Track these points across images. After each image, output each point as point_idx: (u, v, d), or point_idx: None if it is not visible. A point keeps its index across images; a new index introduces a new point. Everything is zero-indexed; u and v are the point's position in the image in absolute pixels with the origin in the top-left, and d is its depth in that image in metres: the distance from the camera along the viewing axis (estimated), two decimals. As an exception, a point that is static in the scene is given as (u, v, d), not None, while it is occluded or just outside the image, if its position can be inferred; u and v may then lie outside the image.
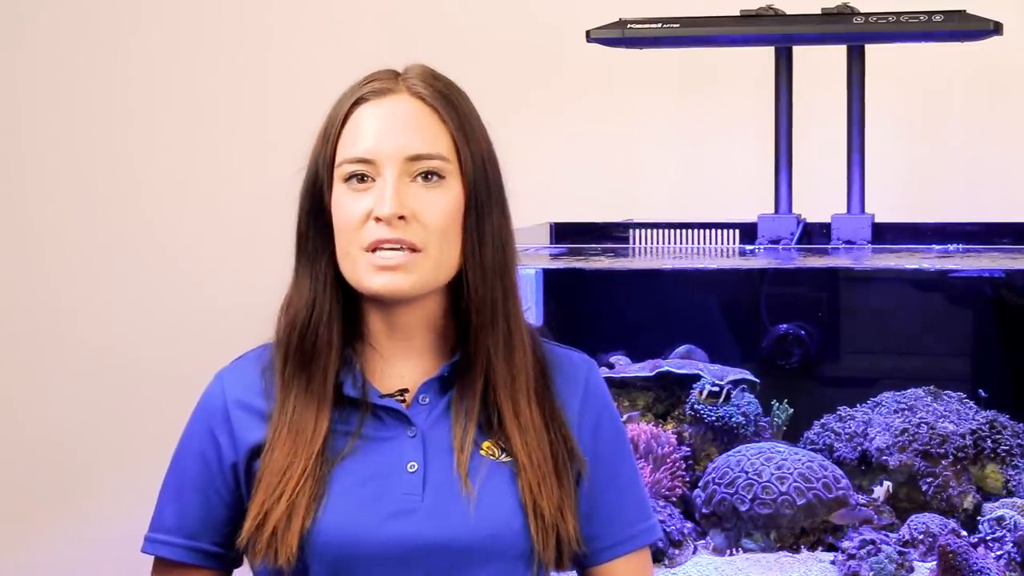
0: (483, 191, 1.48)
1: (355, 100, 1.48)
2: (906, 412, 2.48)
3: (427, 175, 1.46)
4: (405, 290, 1.45)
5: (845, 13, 2.47)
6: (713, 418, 2.50)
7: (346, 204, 1.46)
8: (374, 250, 1.44)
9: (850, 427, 2.51)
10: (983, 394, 2.51)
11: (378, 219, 1.43)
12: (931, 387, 2.53)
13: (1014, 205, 2.89)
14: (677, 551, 2.36)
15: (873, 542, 2.29)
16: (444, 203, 1.46)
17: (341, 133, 1.48)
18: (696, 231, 2.61)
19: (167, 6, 3.41)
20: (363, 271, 1.45)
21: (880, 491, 2.42)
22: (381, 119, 1.47)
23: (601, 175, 3.20)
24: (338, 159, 1.47)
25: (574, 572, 1.60)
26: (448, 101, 1.48)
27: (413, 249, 1.44)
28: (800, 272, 2.63)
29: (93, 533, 3.39)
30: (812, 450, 2.49)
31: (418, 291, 1.46)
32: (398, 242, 1.43)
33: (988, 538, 2.29)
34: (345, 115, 1.48)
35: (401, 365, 1.51)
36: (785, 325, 2.61)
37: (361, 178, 1.46)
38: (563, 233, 2.74)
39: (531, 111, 3.14)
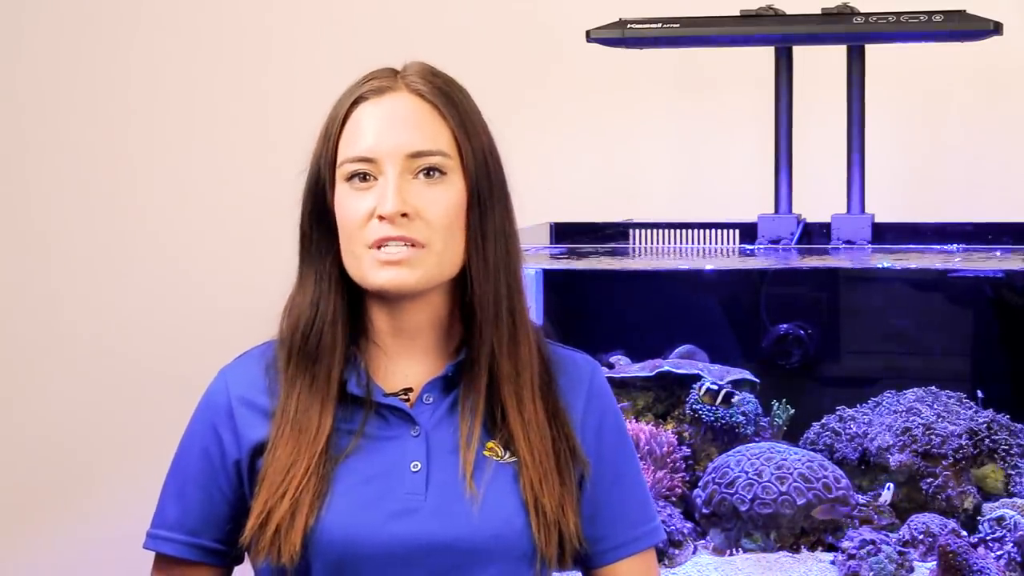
0: (485, 187, 1.48)
1: (355, 99, 1.48)
2: (906, 412, 2.48)
3: (429, 172, 1.46)
4: (410, 285, 1.45)
5: (845, 13, 2.47)
6: (712, 418, 2.50)
7: (349, 203, 1.46)
8: (378, 247, 1.44)
9: (850, 427, 2.51)
10: (980, 395, 2.51)
11: (381, 217, 1.43)
12: (931, 387, 2.53)
13: (1014, 205, 2.89)
14: (677, 551, 2.36)
15: (873, 542, 2.29)
16: (446, 199, 1.46)
17: (342, 132, 1.48)
18: (696, 231, 2.61)
19: (167, 6, 3.41)
20: (368, 267, 1.45)
21: (888, 495, 2.42)
22: (381, 117, 1.47)
23: (601, 175, 3.20)
24: (339, 158, 1.47)
25: (578, 574, 1.60)
26: (448, 97, 1.48)
27: (417, 245, 1.44)
28: (800, 272, 2.63)
29: (93, 533, 3.39)
30: (812, 450, 2.49)
31: (423, 286, 1.46)
32: (401, 239, 1.44)
33: (988, 538, 2.29)
34: (345, 114, 1.48)
35: (405, 364, 1.51)
36: (785, 325, 2.61)
37: (363, 177, 1.46)
38: (563, 233, 2.74)
39: (531, 111, 3.14)
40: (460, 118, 1.48)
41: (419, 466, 1.46)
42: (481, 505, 1.45)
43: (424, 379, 1.51)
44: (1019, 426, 2.46)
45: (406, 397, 1.50)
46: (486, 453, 1.48)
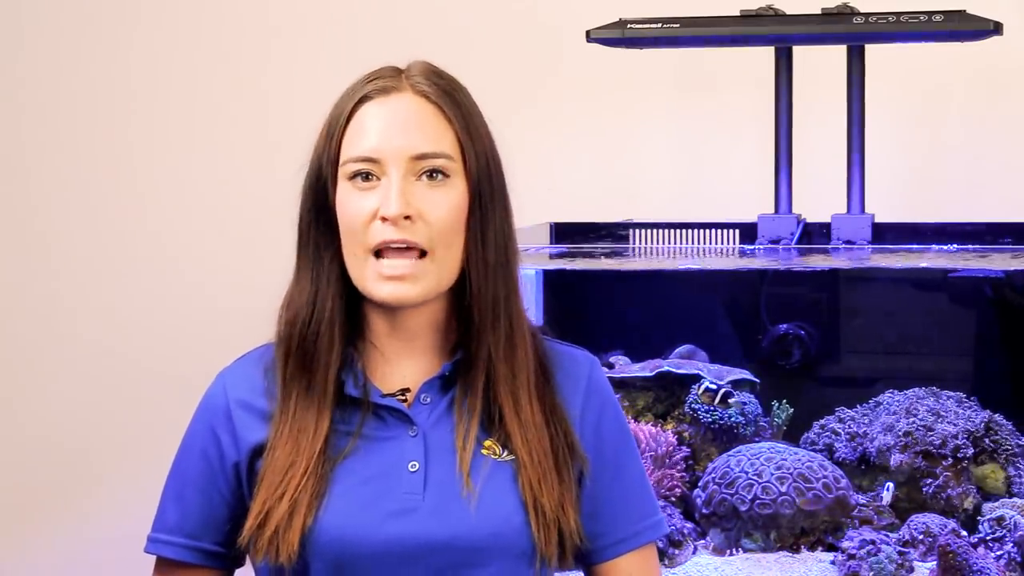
0: (487, 189, 1.48)
1: (359, 98, 1.47)
2: (906, 412, 2.47)
3: (432, 174, 1.46)
4: (412, 299, 1.45)
5: (845, 13, 2.47)
6: (710, 419, 2.50)
7: (351, 203, 1.46)
8: (379, 253, 1.44)
9: (850, 427, 2.51)
10: (974, 399, 2.51)
11: (384, 219, 1.43)
12: (931, 387, 2.53)
13: (1014, 205, 2.89)
14: (677, 551, 2.36)
15: (873, 542, 2.29)
16: (448, 202, 1.46)
17: (345, 131, 1.47)
18: (696, 231, 2.61)
19: (167, 6, 3.41)
20: (370, 279, 1.45)
21: (887, 495, 2.42)
22: (385, 118, 1.46)
23: (601, 175, 3.20)
24: (342, 158, 1.47)
25: (580, 573, 1.60)
26: (452, 99, 1.48)
27: (418, 251, 1.44)
28: (800, 272, 2.63)
29: (93, 533, 3.39)
30: (812, 450, 2.49)
31: (424, 298, 1.46)
32: (404, 243, 1.43)
33: (988, 538, 2.29)
34: (349, 113, 1.47)
35: (403, 364, 1.51)
36: (785, 325, 2.61)
37: (366, 176, 1.46)
38: (563, 233, 2.74)
39: (531, 111, 3.14)
40: (464, 120, 1.48)
41: (417, 466, 1.46)
42: (479, 503, 1.45)
43: (421, 379, 1.50)
44: (1010, 425, 2.46)
45: (403, 397, 1.50)
46: (484, 452, 1.48)
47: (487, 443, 1.48)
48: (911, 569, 2.29)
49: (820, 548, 2.37)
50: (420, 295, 1.45)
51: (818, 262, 2.60)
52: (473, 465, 1.46)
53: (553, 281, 2.61)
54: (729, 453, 2.45)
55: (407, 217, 1.43)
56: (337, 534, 1.44)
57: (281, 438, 1.47)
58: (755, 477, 2.37)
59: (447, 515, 1.44)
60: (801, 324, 2.61)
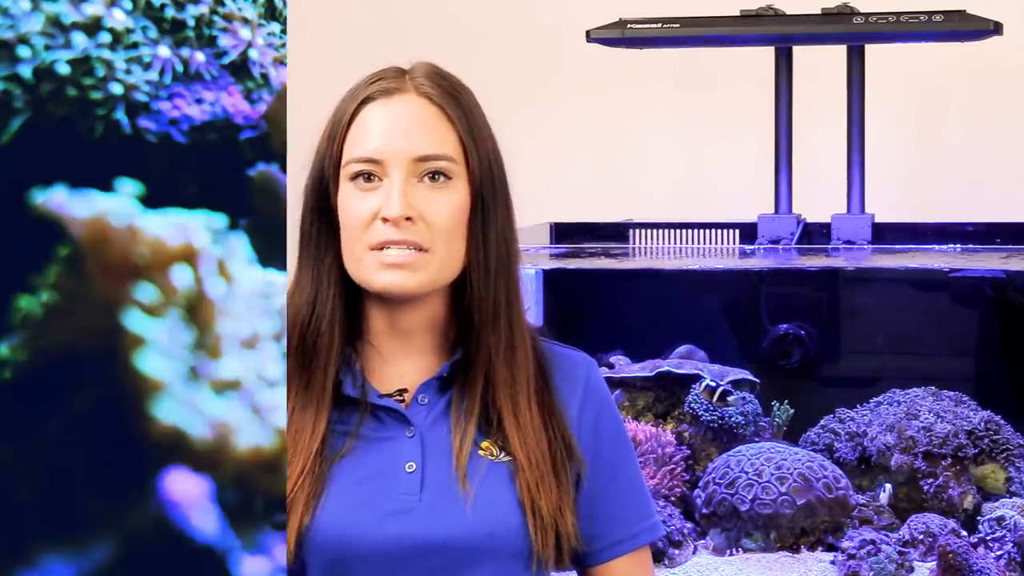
0: (489, 191, 1.48)
1: (362, 99, 1.47)
2: (906, 412, 2.48)
3: (434, 175, 1.46)
4: (412, 288, 1.45)
5: (845, 13, 2.48)
6: (709, 419, 2.50)
7: (353, 203, 1.46)
8: (381, 249, 1.44)
9: (850, 427, 2.51)
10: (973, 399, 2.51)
11: (385, 220, 1.43)
12: (931, 387, 2.53)
13: (1014, 205, 2.90)
14: (677, 551, 2.36)
15: (873, 542, 2.29)
16: (450, 204, 1.46)
17: (348, 132, 1.47)
18: (696, 231, 2.61)
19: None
20: (370, 269, 1.45)
21: (885, 496, 2.42)
22: (388, 119, 1.46)
23: (601, 175, 3.20)
24: (345, 158, 1.47)
25: (574, 573, 1.60)
26: (455, 100, 1.48)
27: (420, 249, 1.44)
28: (800, 272, 2.63)
29: (93, 533, 3.39)
30: (812, 450, 2.49)
31: (425, 289, 1.46)
32: (404, 243, 1.43)
33: (988, 538, 2.29)
34: (352, 114, 1.47)
35: (401, 364, 1.51)
36: (785, 325, 2.61)
37: (368, 177, 1.46)
38: (563, 233, 2.74)
39: (531, 111, 3.14)
40: (467, 123, 1.47)
41: (414, 467, 1.46)
42: (474, 504, 1.44)
43: (419, 379, 1.50)
44: (1010, 425, 2.46)
45: (401, 398, 1.50)
46: (481, 453, 1.47)
47: (484, 444, 1.48)
48: (911, 569, 2.29)
49: (820, 548, 2.37)
50: (419, 285, 1.45)
51: (818, 262, 2.61)
52: (470, 466, 1.46)
53: (553, 281, 2.61)
54: (729, 453, 2.45)
55: (408, 218, 1.43)
56: (333, 534, 1.43)
57: (278, 438, 1.47)
58: (755, 477, 2.37)
59: (443, 516, 1.44)
60: (801, 324, 2.61)
